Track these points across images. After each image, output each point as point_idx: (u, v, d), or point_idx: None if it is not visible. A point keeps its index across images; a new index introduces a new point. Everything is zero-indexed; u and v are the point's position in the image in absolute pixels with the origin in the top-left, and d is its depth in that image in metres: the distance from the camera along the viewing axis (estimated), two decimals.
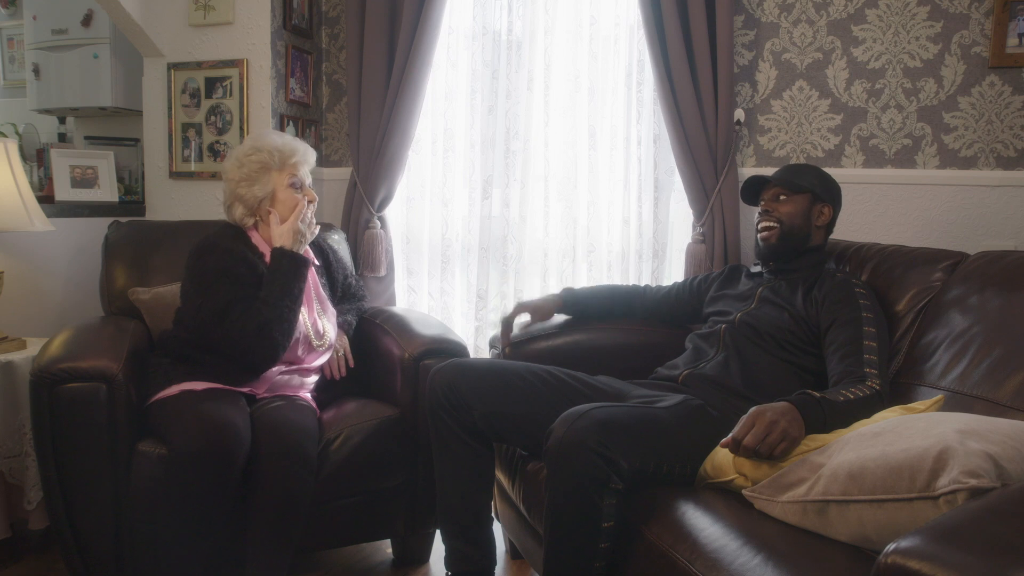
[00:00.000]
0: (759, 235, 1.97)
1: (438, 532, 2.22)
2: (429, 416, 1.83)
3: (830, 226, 2.00)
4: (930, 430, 1.21)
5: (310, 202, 2.05)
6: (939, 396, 1.51)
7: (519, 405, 1.75)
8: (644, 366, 2.02)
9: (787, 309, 1.85)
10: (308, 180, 2.09)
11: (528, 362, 1.93)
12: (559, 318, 2.22)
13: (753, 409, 1.46)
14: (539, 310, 2.18)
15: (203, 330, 1.89)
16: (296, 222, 1.99)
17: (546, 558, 1.51)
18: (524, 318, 2.18)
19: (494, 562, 1.85)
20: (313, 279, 2.11)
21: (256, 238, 2.04)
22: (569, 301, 2.21)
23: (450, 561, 1.83)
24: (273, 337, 1.86)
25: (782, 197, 1.95)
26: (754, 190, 2.03)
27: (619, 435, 1.47)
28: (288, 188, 2.03)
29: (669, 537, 1.36)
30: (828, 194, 1.97)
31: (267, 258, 2.00)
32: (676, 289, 2.22)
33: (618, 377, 1.94)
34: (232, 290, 1.88)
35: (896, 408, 1.50)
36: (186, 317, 1.98)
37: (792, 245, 1.94)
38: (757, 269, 2.04)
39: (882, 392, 1.58)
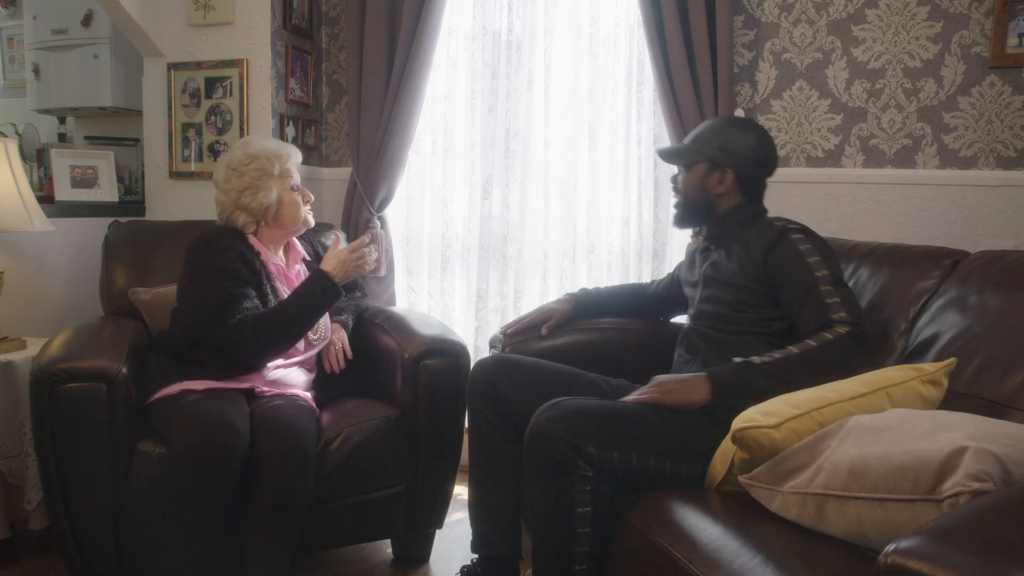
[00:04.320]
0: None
1: (438, 532, 2.23)
2: (468, 404, 1.87)
3: (745, 187, 1.87)
4: (937, 432, 1.19)
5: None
6: (951, 360, 1.47)
7: None
8: (643, 365, 2.01)
9: (731, 284, 1.79)
10: (299, 179, 2.12)
11: (570, 366, 1.92)
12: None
13: (656, 378, 1.62)
14: (556, 317, 2.13)
15: (199, 326, 1.91)
16: (352, 257, 1.98)
17: (533, 545, 1.56)
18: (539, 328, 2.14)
19: (519, 553, 1.84)
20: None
21: (253, 239, 2.04)
22: (582, 309, 2.16)
23: (476, 544, 1.85)
24: (268, 347, 1.90)
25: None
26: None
27: (586, 423, 1.51)
28: (289, 191, 2.06)
29: (668, 537, 1.36)
30: (729, 158, 1.85)
31: (263, 256, 2.01)
32: (664, 283, 2.19)
33: (617, 376, 1.94)
34: (229, 286, 1.90)
35: (906, 368, 1.46)
36: (182, 314, 1.99)
37: (695, 213, 1.91)
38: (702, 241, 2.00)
39: (854, 333, 1.57)
